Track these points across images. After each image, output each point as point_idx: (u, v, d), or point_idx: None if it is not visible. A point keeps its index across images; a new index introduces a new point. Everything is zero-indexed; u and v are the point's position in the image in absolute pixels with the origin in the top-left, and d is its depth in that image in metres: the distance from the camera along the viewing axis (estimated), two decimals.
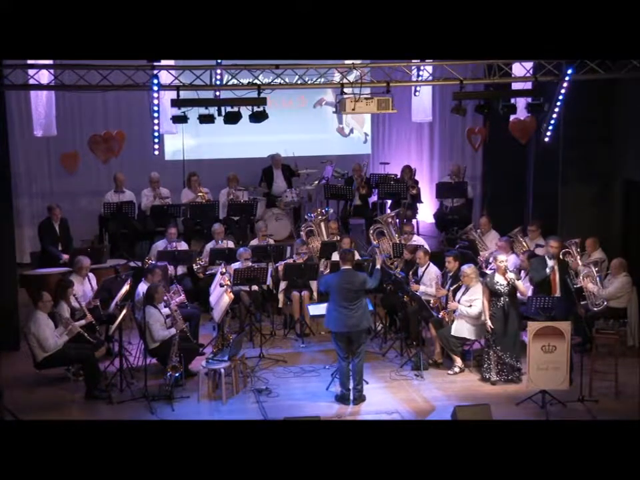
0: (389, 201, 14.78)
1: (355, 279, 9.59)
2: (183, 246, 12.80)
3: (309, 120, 15.74)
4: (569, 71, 11.80)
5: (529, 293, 10.49)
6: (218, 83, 11.95)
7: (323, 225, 13.31)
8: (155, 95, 11.47)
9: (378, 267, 10.05)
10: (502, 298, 10.07)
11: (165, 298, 10.32)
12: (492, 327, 10.03)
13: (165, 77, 11.74)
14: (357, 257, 11.66)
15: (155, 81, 11.28)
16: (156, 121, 11.81)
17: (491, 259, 11.70)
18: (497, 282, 10.08)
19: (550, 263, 10.36)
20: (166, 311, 10.32)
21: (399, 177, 14.88)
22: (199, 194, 13.97)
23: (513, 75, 12.29)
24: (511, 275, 10.08)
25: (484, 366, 10.23)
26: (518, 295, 10.22)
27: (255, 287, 11.60)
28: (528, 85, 12.39)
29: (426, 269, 11.26)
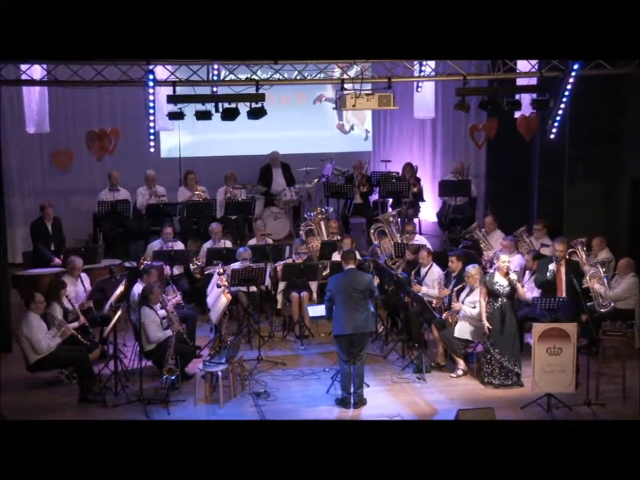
0: (390, 200, 14.69)
1: (361, 279, 9.49)
2: (179, 246, 12.71)
3: (309, 116, 15.63)
4: (575, 67, 11.76)
5: (532, 294, 10.34)
6: (215, 78, 12.06)
7: (322, 224, 13.29)
8: (151, 90, 11.48)
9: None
10: (500, 299, 9.91)
11: (161, 299, 10.24)
12: (490, 327, 9.87)
13: (161, 73, 11.83)
14: (358, 257, 11.49)
15: (151, 77, 11.33)
16: (151, 118, 11.83)
17: (494, 259, 11.54)
18: (497, 282, 9.93)
19: (551, 266, 10.19)
20: (162, 312, 10.25)
21: (400, 174, 14.79)
22: (196, 192, 13.89)
23: (517, 71, 12.23)
24: (513, 276, 9.94)
25: (483, 370, 10.09)
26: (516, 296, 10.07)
27: (253, 288, 11.51)
28: (533, 81, 12.32)
29: (429, 269, 11.17)
